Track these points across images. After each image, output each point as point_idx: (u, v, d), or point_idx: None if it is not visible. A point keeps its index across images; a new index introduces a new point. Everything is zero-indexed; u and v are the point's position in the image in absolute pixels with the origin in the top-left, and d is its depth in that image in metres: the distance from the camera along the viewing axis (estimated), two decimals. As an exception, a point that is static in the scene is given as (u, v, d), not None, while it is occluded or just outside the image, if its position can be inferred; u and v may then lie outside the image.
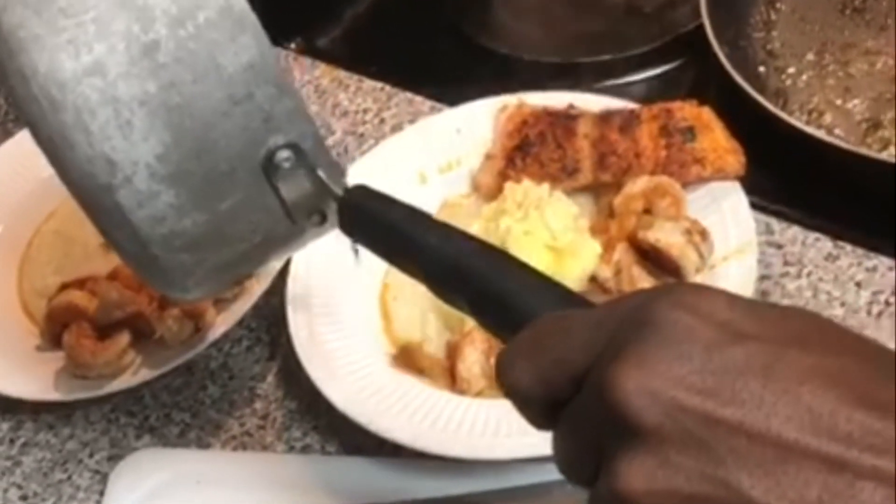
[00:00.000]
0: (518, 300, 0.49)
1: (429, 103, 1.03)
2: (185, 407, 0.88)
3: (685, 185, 0.85)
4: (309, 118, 0.57)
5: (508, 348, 0.46)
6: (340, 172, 0.58)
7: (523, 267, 0.51)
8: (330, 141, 1.02)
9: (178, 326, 0.84)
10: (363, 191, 0.59)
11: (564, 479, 0.74)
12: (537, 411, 0.44)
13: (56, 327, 0.88)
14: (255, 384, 0.89)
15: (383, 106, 1.05)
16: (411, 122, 1.01)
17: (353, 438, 0.83)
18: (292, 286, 0.87)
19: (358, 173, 0.93)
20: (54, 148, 0.56)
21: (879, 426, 0.37)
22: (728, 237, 0.82)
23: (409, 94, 1.05)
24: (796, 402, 0.37)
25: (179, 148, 0.55)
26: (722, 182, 0.85)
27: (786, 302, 0.84)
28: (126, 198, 0.55)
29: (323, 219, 0.60)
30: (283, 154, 0.56)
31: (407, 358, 0.83)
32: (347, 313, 0.86)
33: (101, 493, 0.84)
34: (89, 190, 0.56)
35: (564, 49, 1.05)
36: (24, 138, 1.00)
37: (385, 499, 0.78)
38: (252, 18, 0.56)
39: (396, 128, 1.02)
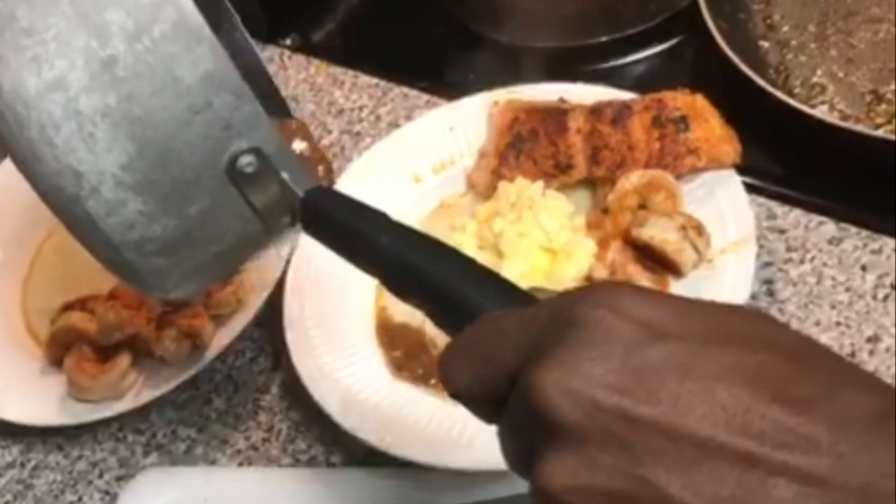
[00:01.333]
0: (462, 297, 0.50)
1: (424, 97, 1.02)
2: (191, 422, 0.89)
3: (680, 176, 0.83)
4: (269, 123, 0.58)
5: (448, 349, 0.47)
6: (304, 174, 0.59)
7: (469, 263, 0.52)
8: (326, 141, 1.02)
9: (175, 346, 0.84)
10: (322, 192, 0.60)
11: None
12: (481, 409, 0.46)
13: (58, 350, 0.88)
14: (259, 396, 0.89)
15: (378, 102, 1.03)
16: (407, 118, 1.00)
17: (357, 449, 0.82)
18: (289, 299, 0.86)
19: (353, 175, 0.92)
20: (24, 162, 0.57)
21: (793, 423, 0.37)
22: (726, 230, 0.80)
23: (404, 89, 1.04)
24: (711, 400, 0.38)
25: (143, 157, 0.56)
26: (718, 171, 0.83)
27: (790, 289, 0.83)
28: (95, 207, 0.57)
29: (294, 220, 0.60)
30: (246, 159, 0.57)
31: (406, 366, 0.83)
32: (345, 325, 0.85)
33: (112, 514, 0.85)
34: (59, 201, 0.58)
35: (560, 33, 1.03)
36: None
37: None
38: (207, 31, 0.56)
39: (392, 124, 1.00)
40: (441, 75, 1.05)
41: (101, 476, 0.88)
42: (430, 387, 0.81)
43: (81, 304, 0.89)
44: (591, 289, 0.42)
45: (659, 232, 0.78)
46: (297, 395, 0.87)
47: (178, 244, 0.59)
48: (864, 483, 0.36)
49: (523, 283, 0.80)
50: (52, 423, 0.87)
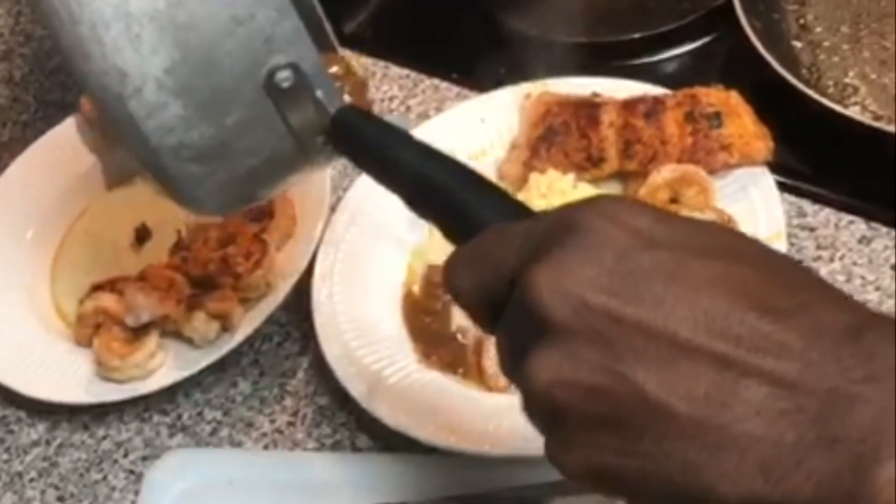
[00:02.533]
0: (474, 211, 0.52)
1: (455, 89, 1.03)
2: (217, 405, 0.89)
3: (712, 172, 0.83)
4: (308, 41, 0.60)
5: (453, 256, 0.50)
6: (337, 94, 0.61)
7: (483, 181, 0.54)
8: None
9: (204, 328, 0.84)
10: (352, 111, 0.62)
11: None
12: (480, 314, 0.48)
13: (87, 330, 0.89)
14: (285, 380, 0.89)
15: (409, 94, 1.04)
16: (437, 109, 1.00)
17: (383, 435, 0.82)
18: (318, 284, 0.86)
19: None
20: (73, 59, 0.60)
21: (768, 329, 0.39)
22: (757, 226, 0.80)
23: (435, 81, 1.04)
24: (694, 305, 0.40)
25: (186, 63, 0.58)
26: (750, 168, 0.83)
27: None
28: (136, 108, 0.59)
29: (326, 141, 0.62)
30: (283, 74, 0.59)
31: (434, 353, 0.83)
32: (373, 311, 0.86)
33: (136, 493, 0.85)
34: (105, 100, 0.60)
35: (592, 28, 1.04)
36: (51, 139, 1.01)
37: (415, 496, 0.78)
38: None
39: (422, 115, 1.01)
40: (472, 68, 1.05)
41: (126, 456, 0.88)
42: (457, 375, 0.82)
43: (111, 285, 0.90)
44: (590, 199, 0.45)
45: (690, 226, 0.78)
46: (323, 379, 0.87)
47: (214, 153, 0.61)
48: (831, 388, 0.38)
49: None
50: (79, 401, 0.87)
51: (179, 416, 0.89)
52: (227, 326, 0.86)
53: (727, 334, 0.40)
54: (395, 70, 1.06)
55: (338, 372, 0.82)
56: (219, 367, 0.90)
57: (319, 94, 0.60)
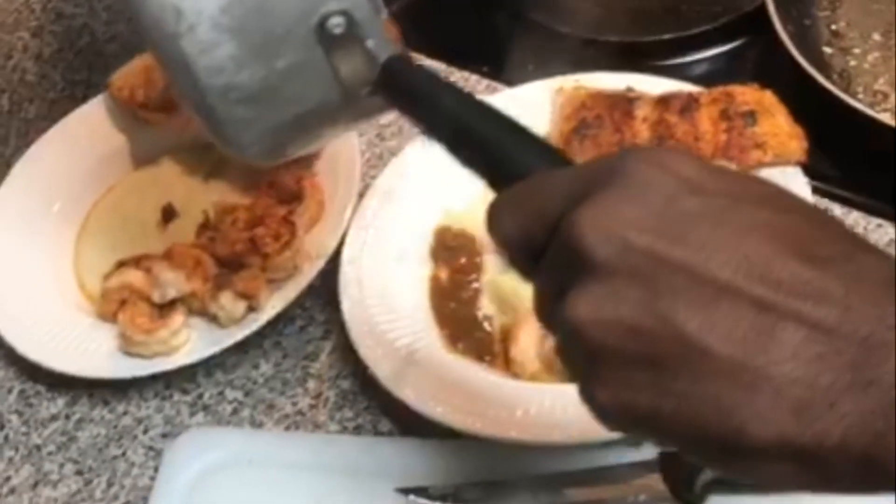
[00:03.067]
0: (518, 160, 0.53)
1: (485, 82, 1.03)
2: (239, 385, 0.89)
3: (745, 170, 0.83)
4: None
5: (497, 200, 0.50)
6: (387, 44, 0.62)
7: (526, 131, 0.55)
8: (384, 120, 1.02)
9: (231, 306, 0.84)
10: (400, 60, 0.63)
11: (624, 464, 0.75)
12: (520, 259, 0.49)
13: (111, 305, 0.88)
14: (308, 363, 0.89)
15: (440, 85, 1.04)
16: (467, 102, 1.00)
17: (406, 420, 0.82)
18: (346, 267, 0.86)
19: (415, 155, 0.93)
20: None
21: (809, 276, 0.40)
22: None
23: (465, 73, 1.04)
24: (737, 249, 0.41)
25: (242, 3, 0.60)
26: (783, 168, 0.83)
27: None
28: (189, 46, 0.60)
29: (372, 92, 0.63)
30: (336, 20, 0.60)
31: (461, 340, 0.83)
32: (401, 296, 0.86)
33: (155, 470, 0.85)
34: (159, 37, 0.61)
35: (624, 27, 1.04)
36: (84, 114, 1.01)
37: (438, 480, 0.78)
38: None
39: (452, 107, 1.01)
40: (502, 63, 1.05)
41: (146, 432, 0.88)
42: (484, 363, 0.82)
43: (136, 263, 0.90)
44: (637, 147, 0.47)
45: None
46: (346, 363, 0.87)
47: (262, 96, 0.62)
48: (869, 334, 0.39)
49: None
50: (101, 375, 0.87)
51: (200, 396, 0.89)
52: (253, 306, 0.85)
53: (768, 279, 0.40)
54: (426, 62, 1.06)
55: (363, 354, 0.81)
56: (241, 349, 0.90)
57: (370, 43, 0.61)
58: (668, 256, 0.42)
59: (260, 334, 0.89)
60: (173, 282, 0.85)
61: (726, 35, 1.02)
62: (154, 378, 0.89)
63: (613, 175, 0.44)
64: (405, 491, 0.78)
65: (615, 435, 0.75)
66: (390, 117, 1.02)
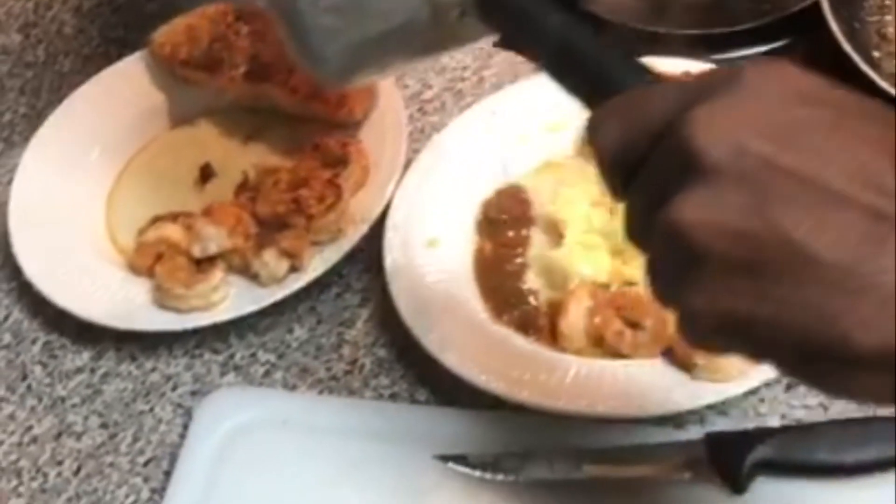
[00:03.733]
0: (618, 77, 0.52)
1: (530, 64, 1.01)
2: (271, 348, 0.87)
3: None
4: None
5: (599, 109, 0.49)
6: None
7: (630, 56, 0.53)
8: (427, 95, 1.01)
9: (274, 264, 0.83)
10: None
11: (669, 443, 0.73)
12: (616, 171, 0.47)
13: (146, 259, 0.87)
14: (343, 330, 0.87)
15: (483, 64, 1.03)
16: (511, 83, 0.99)
17: (443, 389, 0.81)
18: (390, 232, 0.85)
19: (464, 120, 0.92)
20: None
21: None
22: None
23: (511, 54, 1.03)
24: (853, 158, 0.41)
25: None
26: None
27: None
28: None
29: (462, 16, 0.62)
30: None
31: (506, 312, 0.82)
32: (445, 264, 0.84)
33: (185, 427, 0.83)
34: None
35: (670, 19, 1.03)
36: (121, 69, 1.00)
37: (478, 449, 0.76)
38: None
39: (496, 87, 1.00)
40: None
41: (174, 389, 0.86)
42: (529, 335, 0.80)
43: (173, 219, 0.88)
44: (753, 59, 0.46)
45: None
46: (383, 332, 0.86)
47: (350, 8, 0.61)
48: None
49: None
50: (133, 327, 0.85)
51: (232, 356, 0.87)
52: (296, 266, 0.84)
53: (883, 189, 0.40)
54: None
55: (407, 320, 0.80)
56: (275, 312, 0.88)
57: None
58: (780, 162, 0.41)
59: (295, 298, 0.88)
60: (215, 237, 0.83)
61: (773, 33, 1.01)
62: (184, 336, 0.88)
63: (730, 81, 0.43)
64: (444, 458, 0.76)
65: (662, 410, 0.76)
66: (433, 92, 1.01)
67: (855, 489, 0.72)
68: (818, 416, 0.77)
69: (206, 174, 0.94)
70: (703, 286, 0.43)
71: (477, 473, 0.76)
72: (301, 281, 0.84)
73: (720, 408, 0.78)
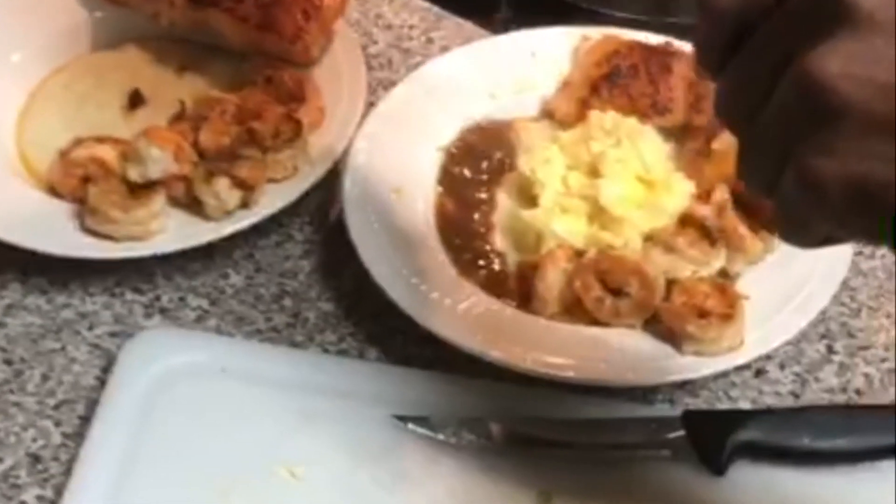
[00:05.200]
0: None
1: (481, 31, 0.97)
2: (203, 293, 0.79)
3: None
4: None
5: None
6: None
7: None
8: (372, 50, 0.95)
9: (226, 195, 0.75)
10: None
11: (645, 417, 0.68)
12: (727, 27, 0.43)
13: (71, 179, 0.77)
14: (284, 281, 0.80)
15: (431, 26, 0.98)
16: (462, 45, 0.94)
17: (394, 348, 0.75)
18: (349, 185, 0.78)
19: (426, 78, 0.87)
20: None
21: None
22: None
23: (458, 20, 0.98)
24: None
25: None
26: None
27: (860, 279, 0.80)
28: None
29: None
30: None
31: (473, 276, 0.76)
32: (407, 219, 0.78)
33: (104, 370, 0.74)
34: None
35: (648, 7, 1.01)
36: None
37: (439, 412, 0.71)
38: None
39: (445, 49, 0.94)
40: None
41: (90, 329, 0.76)
42: (495, 296, 0.75)
43: (100, 142, 0.79)
44: None
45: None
46: (328, 287, 0.79)
47: None
48: None
49: (619, 208, 0.76)
50: (53, 251, 0.75)
51: (157, 298, 0.78)
52: (246, 201, 0.76)
53: None
54: (417, 1, 1.00)
55: (376, 276, 0.73)
56: (206, 256, 0.80)
57: None
58: None
59: (229, 244, 0.80)
60: (160, 159, 0.75)
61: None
62: (102, 272, 0.79)
63: None
64: (403, 419, 0.70)
65: (642, 381, 0.72)
66: (378, 48, 0.95)
67: (834, 475, 0.70)
68: (789, 403, 0.75)
69: (135, 100, 0.86)
70: (836, 149, 0.40)
71: (440, 437, 0.70)
72: (253, 217, 0.76)
73: (690, 388, 0.75)
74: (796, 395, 0.75)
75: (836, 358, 0.77)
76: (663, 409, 0.73)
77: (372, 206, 0.77)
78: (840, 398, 0.75)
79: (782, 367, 0.76)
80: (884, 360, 0.77)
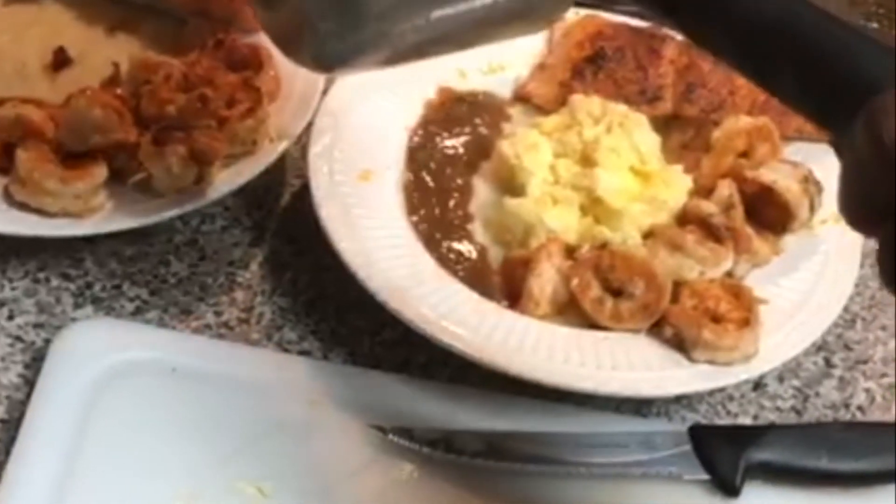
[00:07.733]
0: (862, 67, 0.40)
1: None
2: (141, 282, 0.69)
3: (782, 137, 0.75)
4: None
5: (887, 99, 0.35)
6: None
7: (859, 30, 0.42)
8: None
9: (179, 168, 0.65)
10: None
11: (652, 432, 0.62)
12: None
13: (-6, 144, 0.67)
14: (234, 271, 0.70)
15: None
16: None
17: (361, 351, 0.67)
18: (318, 164, 0.69)
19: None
20: None
21: None
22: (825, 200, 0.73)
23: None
24: None
25: None
26: (817, 144, 0.76)
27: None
28: None
29: None
30: None
31: (450, 268, 0.68)
32: (378, 207, 0.70)
33: (25, 366, 0.63)
34: None
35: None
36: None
37: (416, 422, 0.62)
38: None
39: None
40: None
41: (11, 318, 0.66)
42: (477, 292, 0.67)
43: (23, 101, 0.68)
44: None
45: (782, 178, 0.70)
46: (284, 279, 0.70)
47: None
48: None
49: (617, 200, 0.69)
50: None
51: (89, 285, 0.68)
52: (203, 175, 0.66)
53: None
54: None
55: (356, 270, 0.65)
56: (143, 240, 0.70)
57: None
58: None
59: (169, 228, 0.71)
60: (104, 125, 0.65)
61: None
62: (22, 254, 0.68)
63: None
64: (382, 429, 0.62)
65: (647, 392, 0.65)
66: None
67: (848, 498, 0.64)
68: (791, 419, 0.69)
69: (60, 60, 0.75)
70: None
71: (425, 450, 0.61)
72: (214, 193, 0.66)
73: (686, 402, 0.69)
74: (798, 412, 0.70)
75: (836, 372, 0.72)
76: (661, 424, 0.67)
77: (342, 190, 0.69)
78: (843, 415, 0.70)
79: (781, 379, 0.71)
80: (883, 374, 0.72)
